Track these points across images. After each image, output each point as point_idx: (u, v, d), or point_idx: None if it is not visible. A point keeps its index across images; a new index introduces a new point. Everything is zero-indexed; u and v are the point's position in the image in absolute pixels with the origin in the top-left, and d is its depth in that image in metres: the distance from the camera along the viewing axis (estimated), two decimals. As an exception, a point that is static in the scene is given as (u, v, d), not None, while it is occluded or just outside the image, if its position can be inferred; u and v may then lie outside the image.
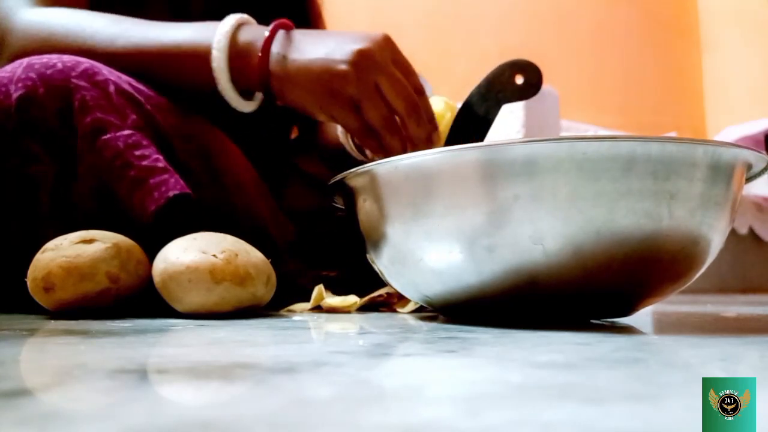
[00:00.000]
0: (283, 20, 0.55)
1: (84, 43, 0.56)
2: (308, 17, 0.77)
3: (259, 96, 0.59)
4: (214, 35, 0.54)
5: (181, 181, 0.48)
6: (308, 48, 0.53)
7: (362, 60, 0.51)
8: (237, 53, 0.54)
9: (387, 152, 0.53)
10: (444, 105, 0.59)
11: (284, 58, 0.53)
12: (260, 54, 0.53)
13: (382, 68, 0.52)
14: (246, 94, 0.57)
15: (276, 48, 0.54)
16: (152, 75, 0.55)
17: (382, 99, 0.52)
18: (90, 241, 0.43)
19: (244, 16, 0.56)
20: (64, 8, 0.59)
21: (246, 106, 0.58)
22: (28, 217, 0.49)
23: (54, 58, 0.50)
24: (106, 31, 0.56)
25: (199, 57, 0.54)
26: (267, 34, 0.54)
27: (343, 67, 0.51)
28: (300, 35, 0.55)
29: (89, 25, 0.56)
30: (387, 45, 0.53)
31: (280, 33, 0.54)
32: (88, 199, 0.49)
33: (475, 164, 0.34)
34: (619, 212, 0.33)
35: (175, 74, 0.56)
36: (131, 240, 0.46)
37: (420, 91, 0.54)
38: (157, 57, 0.55)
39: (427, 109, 0.54)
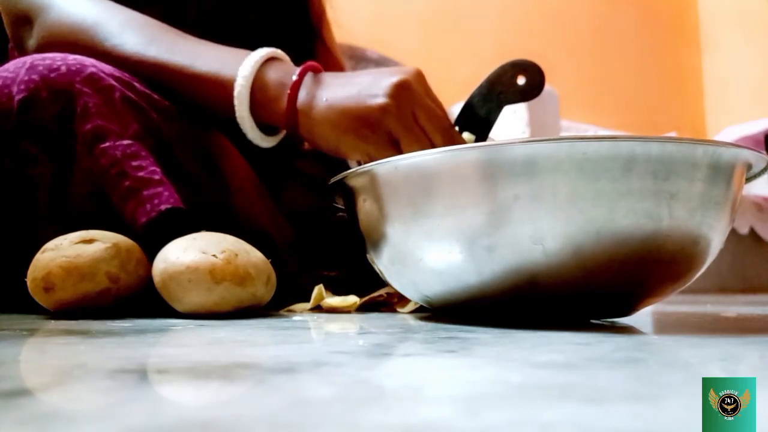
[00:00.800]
0: (312, 63, 0.54)
1: (106, 41, 0.55)
2: (310, 20, 0.77)
3: (280, 135, 0.58)
4: (241, 64, 0.53)
5: (176, 195, 0.48)
6: (340, 88, 0.52)
7: (401, 92, 0.50)
8: (262, 87, 0.53)
9: None
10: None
11: (314, 98, 0.52)
12: (289, 92, 0.52)
13: (420, 100, 0.50)
14: (267, 129, 0.57)
15: (305, 88, 0.52)
16: (171, 90, 0.55)
17: (423, 131, 0.50)
18: (90, 241, 0.43)
19: (277, 51, 0.55)
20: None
21: (263, 141, 0.56)
22: (26, 217, 0.49)
23: (58, 60, 0.50)
24: (134, 35, 0.56)
25: (222, 84, 0.54)
26: (295, 77, 0.53)
27: (383, 100, 0.49)
28: (329, 77, 0.53)
29: (119, 25, 0.56)
30: (421, 78, 0.52)
31: (309, 75, 0.53)
32: (85, 201, 0.49)
33: (475, 164, 0.34)
34: (619, 212, 0.33)
35: (195, 96, 0.55)
36: (131, 240, 0.46)
37: (451, 124, 0.53)
38: (179, 75, 0.55)
39: (460, 142, 0.54)
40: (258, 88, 0.53)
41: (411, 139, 0.50)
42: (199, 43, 0.57)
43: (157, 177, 0.48)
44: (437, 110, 0.51)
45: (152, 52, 0.55)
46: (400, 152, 0.50)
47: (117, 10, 0.57)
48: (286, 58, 0.56)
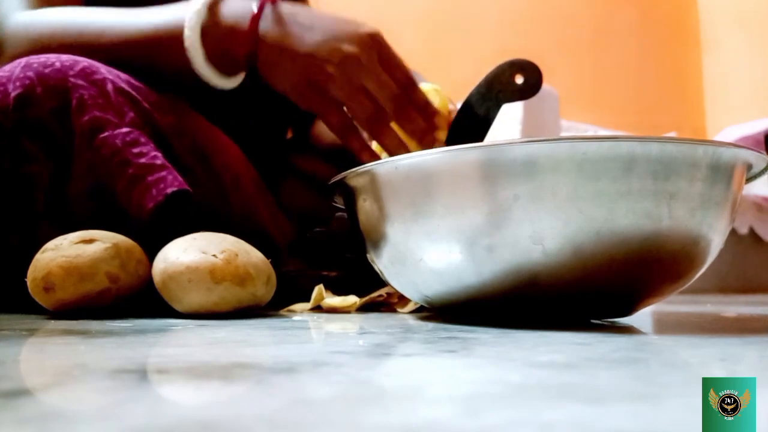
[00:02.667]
0: None
1: (71, 40, 0.56)
2: None
3: (239, 77, 0.58)
4: (188, 4, 0.54)
5: (180, 178, 0.48)
6: (297, 36, 0.52)
7: (348, 63, 0.51)
8: (216, 29, 0.53)
9: (370, 152, 0.53)
10: (432, 91, 0.58)
11: (272, 39, 0.53)
12: (247, 32, 0.53)
13: (368, 71, 0.52)
14: (231, 71, 0.57)
15: (264, 27, 0.53)
16: (137, 65, 0.55)
17: (369, 99, 0.52)
18: (90, 241, 0.43)
19: None
20: (56, 8, 0.58)
21: (225, 83, 0.57)
22: (25, 216, 0.49)
23: (52, 57, 0.50)
24: (94, 26, 0.56)
25: (174, 38, 0.54)
26: (255, 9, 0.53)
27: (329, 68, 0.51)
28: (289, 15, 0.53)
29: (79, 22, 0.56)
30: (374, 44, 0.53)
31: (268, 8, 0.53)
32: (83, 199, 0.49)
33: (475, 164, 0.34)
34: (619, 212, 0.33)
35: (156, 60, 0.55)
36: (131, 240, 0.45)
37: (411, 83, 0.54)
38: (138, 45, 0.55)
39: (419, 101, 0.54)
40: (210, 31, 0.53)
41: (355, 107, 0.52)
42: (152, 9, 0.57)
43: (159, 162, 0.48)
44: (387, 79, 0.52)
45: (115, 35, 0.55)
46: (343, 114, 0.53)
47: (69, 12, 0.58)
48: None
